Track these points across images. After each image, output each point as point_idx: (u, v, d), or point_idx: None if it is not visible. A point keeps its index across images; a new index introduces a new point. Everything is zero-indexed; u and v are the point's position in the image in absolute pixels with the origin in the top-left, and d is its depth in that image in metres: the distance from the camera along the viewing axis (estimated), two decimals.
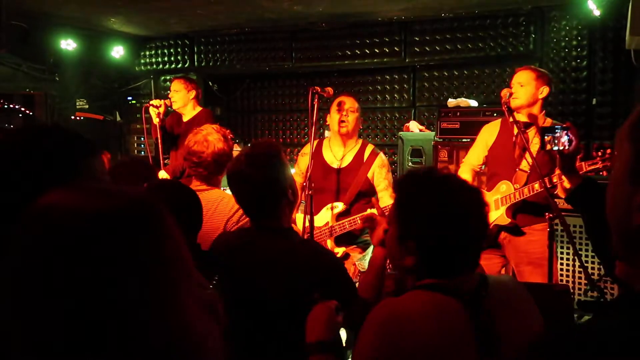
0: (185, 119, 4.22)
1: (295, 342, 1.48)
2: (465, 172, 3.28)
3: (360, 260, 3.28)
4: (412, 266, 1.35)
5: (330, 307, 1.44)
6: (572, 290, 3.97)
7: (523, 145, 2.98)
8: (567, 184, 2.74)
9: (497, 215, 3.00)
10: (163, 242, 0.77)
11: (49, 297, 0.69)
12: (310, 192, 2.84)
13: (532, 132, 3.03)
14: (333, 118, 3.28)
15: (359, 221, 3.06)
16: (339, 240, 3.21)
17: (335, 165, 3.30)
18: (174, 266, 0.77)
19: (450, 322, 1.25)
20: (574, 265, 4.09)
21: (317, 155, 3.31)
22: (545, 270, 2.90)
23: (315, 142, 3.36)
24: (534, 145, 2.92)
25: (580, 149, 2.11)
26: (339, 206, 3.21)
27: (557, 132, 2.04)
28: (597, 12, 4.47)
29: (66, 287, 0.69)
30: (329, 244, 3.18)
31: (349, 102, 3.28)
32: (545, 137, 2.06)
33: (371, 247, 3.35)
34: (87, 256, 0.70)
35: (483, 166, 3.30)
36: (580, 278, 4.06)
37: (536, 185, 2.85)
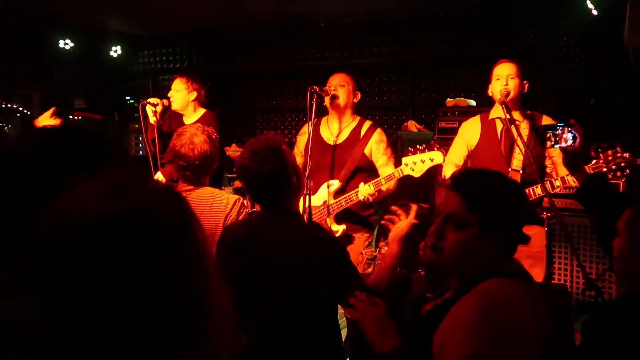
0: (187, 121, 3.91)
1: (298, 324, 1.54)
2: (450, 171, 3.20)
3: (368, 247, 3.26)
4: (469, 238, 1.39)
5: (385, 311, 1.47)
6: (570, 290, 3.97)
7: (511, 141, 2.96)
8: (573, 182, 2.75)
9: None
10: (191, 238, 0.79)
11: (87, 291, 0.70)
12: (306, 180, 2.83)
13: (522, 129, 2.99)
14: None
15: (354, 197, 3.04)
16: (343, 219, 3.17)
17: (331, 142, 3.28)
18: (203, 259, 0.79)
19: (527, 303, 1.32)
20: (571, 265, 4.09)
21: (315, 133, 3.30)
22: (543, 264, 2.90)
23: (314, 122, 3.38)
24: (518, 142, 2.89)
25: (584, 146, 2.10)
26: (335, 184, 3.17)
27: (558, 130, 2.04)
28: (595, 12, 4.48)
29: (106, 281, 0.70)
30: (329, 222, 3.15)
31: (337, 79, 3.27)
32: (547, 134, 2.05)
33: (375, 232, 3.35)
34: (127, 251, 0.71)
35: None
36: (578, 277, 4.07)
37: (538, 190, 2.83)
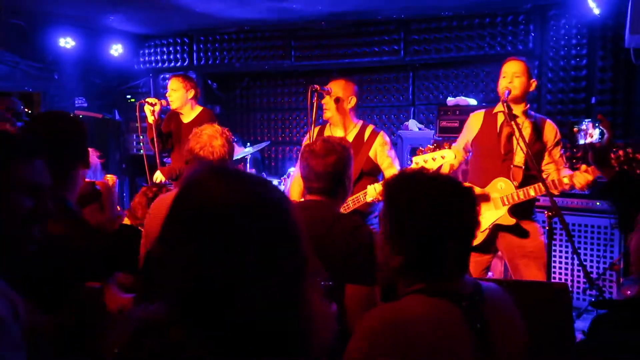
0: (185, 120, 4.01)
1: None
2: (451, 152, 3.12)
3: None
4: (398, 267, 1.33)
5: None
6: (570, 289, 3.97)
7: (509, 134, 2.96)
8: (579, 181, 2.73)
9: (498, 214, 2.96)
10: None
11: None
12: None
13: (524, 127, 2.99)
14: None
15: (362, 198, 3.06)
16: None
17: None
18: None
19: (449, 327, 1.25)
20: (572, 264, 4.09)
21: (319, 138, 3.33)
22: (540, 262, 2.90)
23: (317, 129, 3.37)
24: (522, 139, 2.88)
25: (612, 142, 2.09)
26: None
27: (583, 125, 2.03)
28: (596, 11, 4.47)
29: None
30: None
31: (331, 88, 3.27)
32: (574, 129, 2.04)
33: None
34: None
35: (469, 155, 3.25)
36: (579, 277, 4.07)
37: (542, 187, 2.82)
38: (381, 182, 3.04)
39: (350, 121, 3.32)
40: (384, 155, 3.25)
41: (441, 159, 2.88)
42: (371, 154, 3.25)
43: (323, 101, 3.26)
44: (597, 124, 2.03)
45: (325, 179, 2.06)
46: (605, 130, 2.03)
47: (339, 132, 3.33)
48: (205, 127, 2.59)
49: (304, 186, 2.18)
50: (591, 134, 2.03)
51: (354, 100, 3.31)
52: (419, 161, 2.93)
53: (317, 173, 2.06)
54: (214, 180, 0.93)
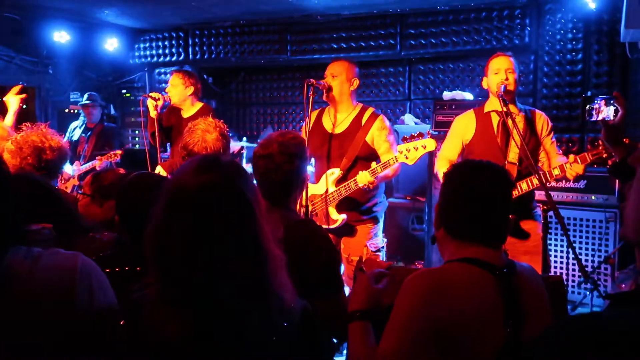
0: (185, 115, 4.00)
1: None
2: (444, 166, 3.11)
3: (372, 240, 3.26)
4: (441, 237, 1.52)
5: (370, 278, 1.55)
6: (565, 282, 3.99)
7: (507, 135, 2.96)
8: (570, 173, 2.74)
9: None
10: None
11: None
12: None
13: (519, 120, 2.98)
14: None
15: (352, 186, 3.04)
16: (347, 209, 3.16)
17: (330, 130, 3.27)
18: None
19: (485, 294, 1.37)
20: (567, 257, 4.12)
21: (317, 122, 3.31)
22: (540, 258, 2.91)
23: (316, 112, 3.35)
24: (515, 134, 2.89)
25: (623, 121, 2.07)
26: (335, 172, 3.15)
27: (595, 104, 2.02)
28: (592, 5, 4.48)
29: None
30: (331, 211, 3.15)
31: (330, 69, 3.25)
32: (587, 108, 2.03)
33: (381, 223, 3.34)
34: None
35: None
36: (574, 270, 4.09)
37: (535, 180, 2.82)
38: (370, 169, 2.99)
39: (349, 103, 3.27)
40: (381, 140, 3.16)
41: (422, 149, 2.88)
42: (368, 139, 3.17)
43: (326, 80, 3.21)
44: (611, 101, 2.01)
45: (280, 189, 2.03)
46: (619, 108, 2.01)
47: (338, 115, 3.29)
48: (198, 122, 2.58)
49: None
50: (603, 111, 2.01)
51: (356, 82, 3.27)
52: (402, 150, 2.92)
53: (273, 183, 2.04)
54: (190, 171, 1.14)
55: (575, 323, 0.81)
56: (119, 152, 4.75)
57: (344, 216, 3.12)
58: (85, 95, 5.35)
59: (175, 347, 1.06)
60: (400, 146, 2.95)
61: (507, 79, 2.93)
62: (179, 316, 1.06)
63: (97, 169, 4.68)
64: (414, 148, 2.89)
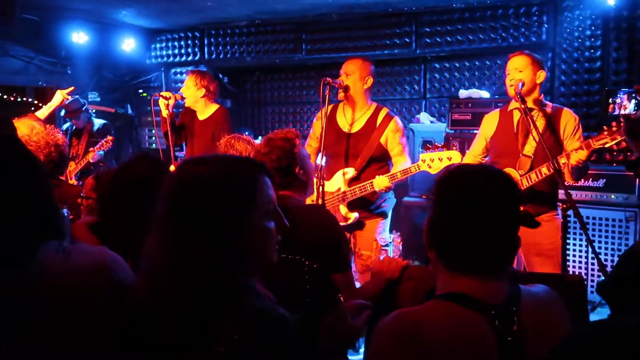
0: (200, 117, 3.98)
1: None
2: (458, 154, 3.15)
3: (381, 234, 3.28)
4: (433, 260, 1.29)
5: (347, 314, 1.40)
6: (585, 282, 3.95)
7: (527, 131, 2.94)
8: (575, 158, 2.73)
9: None
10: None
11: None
12: (320, 164, 2.91)
13: (537, 118, 2.97)
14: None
15: (368, 188, 3.07)
16: (354, 204, 3.19)
17: (346, 129, 3.28)
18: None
19: (471, 342, 1.14)
20: (586, 256, 4.07)
21: (331, 119, 3.31)
22: (555, 261, 2.88)
23: (330, 107, 3.35)
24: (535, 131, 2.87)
25: None
26: (350, 172, 3.19)
27: (618, 97, 2.01)
28: (611, 2, 4.42)
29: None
30: (342, 209, 3.18)
31: (344, 67, 3.25)
32: (609, 103, 2.02)
33: (389, 219, 3.36)
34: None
35: (487, 157, 3.25)
36: (593, 270, 4.04)
37: (544, 169, 2.80)
38: (389, 174, 3.03)
39: (364, 102, 3.27)
40: (394, 142, 3.19)
41: (448, 160, 2.89)
42: (382, 140, 3.19)
43: (340, 78, 3.22)
44: (633, 95, 2.00)
45: (276, 175, 2.05)
46: None
47: (350, 113, 3.29)
48: (235, 145, 2.71)
49: None
50: (625, 105, 2.00)
51: (370, 81, 3.27)
52: (425, 159, 2.93)
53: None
54: (187, 165, 1.18)
55: (594, 330, 0.78)
56: (110, 138, 4.73)
57: (356, 214, 3.16)
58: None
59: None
60: (424, 155, 2.97)
61: (513, 77, 2.94)
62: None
63: (91, 160, 4.71)
64: (439, 159, 2.91)
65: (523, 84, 2.89)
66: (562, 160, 2.78)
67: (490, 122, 3.17)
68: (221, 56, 6.27)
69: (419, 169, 2.97)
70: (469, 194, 1.21)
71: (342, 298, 1.51)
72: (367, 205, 3.24)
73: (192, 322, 1.04)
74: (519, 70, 2.95)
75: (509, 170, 2.94)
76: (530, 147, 2.94)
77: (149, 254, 1.11)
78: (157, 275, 1.09)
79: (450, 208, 1.24)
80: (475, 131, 4.33)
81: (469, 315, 1.16)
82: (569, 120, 3.00)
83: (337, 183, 3.21)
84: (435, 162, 2.91)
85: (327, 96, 3.09)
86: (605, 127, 2.63)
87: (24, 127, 2.71)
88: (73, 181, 4.65)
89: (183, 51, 6.47)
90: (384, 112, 3.25)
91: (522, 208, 2.92)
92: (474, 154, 3.22)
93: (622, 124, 2.10)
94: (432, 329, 1.14)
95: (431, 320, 1.16)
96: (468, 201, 1.21)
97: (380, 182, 2.98)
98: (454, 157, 2.89)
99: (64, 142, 2.78)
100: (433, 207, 1.28)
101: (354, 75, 3.23)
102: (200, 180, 1.12)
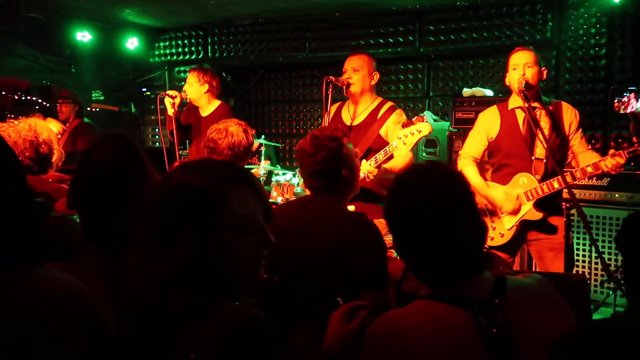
0: (203, 113, 4.01)
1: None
2: (468, 165, 3.12)
3: (386, 235, 3.22)
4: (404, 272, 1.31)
5: (342, 317, 1.37)
6: (588, 281, 3.93)
7: (533, 131, 2.91)
8: (611, 163, 2.70)
9: (524, 210, 2.91)
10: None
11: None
12: None
13: (541, 117, 2.94)
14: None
15: (370, 176, 3.00)
16: (362, 201, 3.05)
17: (349, 123, 3.27)
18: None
19: (455, 335, 1.15)
20: (590, 256, 4.06)
21: (336, 116, 3.32)
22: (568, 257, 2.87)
23: (336, 105, 3.36)
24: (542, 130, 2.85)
25: None
26: None
27: (625, 96, 2.00)
28: (616, 0, 4.39)
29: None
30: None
31: (351, 63, 3.23)
32: (615, 101, 2.01)
33: None
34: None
35: (488, 157, 3.21)
36: (597, 269, 4.03)
37: (555, 184, 2.78)
38: (373, 157, 2.96)
39: (370, 97, 3.27)
40: (395, 134, 3.13)
41: (418, 133, 2.83)
42: (382, 131, 3.15)
43: (345, 76, 3.21)
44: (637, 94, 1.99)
45: (318, 177, 2.01)
46: None
47: (353, 108, 3.29)
48: (228, 120, 2.72)
49: (304, 184, 2.18)
50: (632, 104, 1.98)
51: (377, 76, 3.28)
52: (400, 136, 2.86)
53: (310, 172, 2.02)
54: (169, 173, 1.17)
55: (597, 328, 0.78)
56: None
57: (352, 207, 3.11)
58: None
59: None
60: (398, 132, 2.91)
61: (524, 73, 2.88)
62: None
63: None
64: (410, 133, 2.85)
65: (527, 82, 2.85)
66: (589, 169, 2.75)
67: (491, 121, 3.09)
68: (225, 55, 6.28)
69: (396, 148, 2.92)
70: (415, 213, 1.21)
71: (340, 302, 1.45)
72: (370, 197, 3.14)
73: (164, 328, 1.01)
74: (528, 65, 2.89)
75: (524, 175, 2.92)
76: (541, 150, 2.91)
77: (129, 259, 1.09)
78: (132, 281, 1.07)
79: (404, 235, 1.25)
80: None
81: (452, 312, 1.17)
82: (572, 115, 2.98)
83: None
84: (409, 137, 2.85)
85: (329, 94, 3.08)
86: (634, 139, 2.61)
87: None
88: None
89: (187, 50, 6.48)
90: (387, 104, 3.23)
91: (543, 214, 2.88)
92: (472, 155, 3.13)
93: (631, 122, 2.09)
94: (415, 330, 1.16)
95: (414, 320, 1.18)
96: (417, 221, 1.21)
97: (365, 166, 2.91)
98: (423, 128, 2.82)
99: (46, 140, 2.67)
100: (392, 235, 1.29)
101: (363, 71, 3.22)
102: (168, 189, 1.09)
